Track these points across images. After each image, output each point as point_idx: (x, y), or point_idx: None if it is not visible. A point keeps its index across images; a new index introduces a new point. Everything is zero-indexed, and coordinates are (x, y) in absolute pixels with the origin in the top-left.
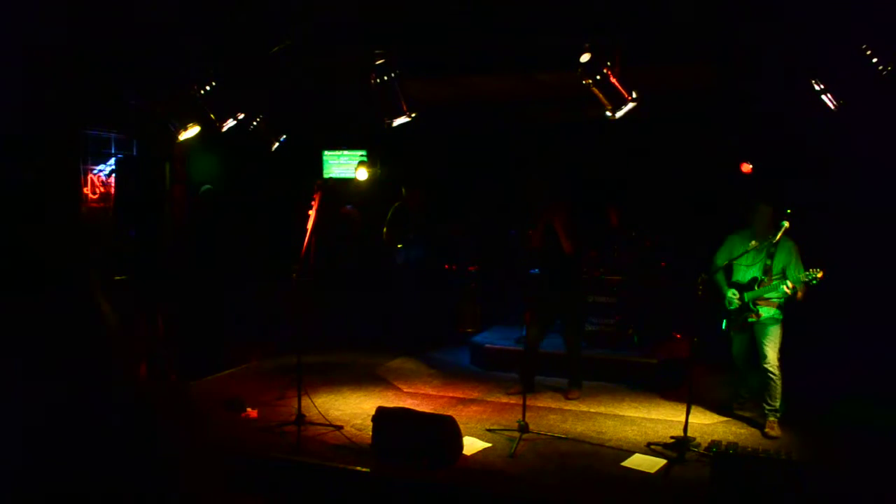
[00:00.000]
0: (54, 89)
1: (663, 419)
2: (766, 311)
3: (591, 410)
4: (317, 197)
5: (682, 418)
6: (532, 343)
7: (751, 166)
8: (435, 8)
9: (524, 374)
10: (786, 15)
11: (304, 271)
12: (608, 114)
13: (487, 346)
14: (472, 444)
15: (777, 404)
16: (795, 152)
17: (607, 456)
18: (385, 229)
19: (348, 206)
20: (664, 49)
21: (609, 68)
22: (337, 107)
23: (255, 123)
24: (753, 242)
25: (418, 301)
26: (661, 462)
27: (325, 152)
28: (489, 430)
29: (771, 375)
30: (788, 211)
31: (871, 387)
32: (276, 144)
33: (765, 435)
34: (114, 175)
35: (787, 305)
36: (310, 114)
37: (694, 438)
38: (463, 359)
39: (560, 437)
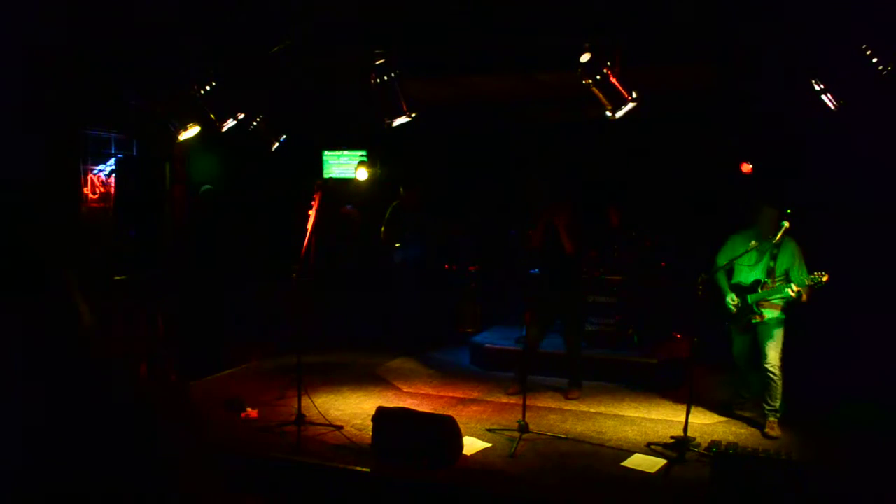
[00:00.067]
0: (54, 89)
1: (663, 419)
2: (769, 313)
3: (591, 410)
4: (317, 197)
5: (682, 418)
6: (532, 343)
7: (751, 166)
8: (435, 8)
9: (521, 372)
10: (786, 15)
11: (304, 271)
12: (608, 114)
13: (487, 346)
14: (472, 444)
15: (777, 405)
16: (795, 152)
17: (607, 456)
18: (383, 229)
19: (348, 206)
20: (664, 49)
21: (609, 68)
22: (337, 107)
23: (255, 123)
24: (753, 242)
25: (418, 301)
26: (661, 462)
27: (325, 152)
28: (489, 430)
29: (772, 376)
30: (788, 211)
31: (871, 387)
32: (276, 144)
33: (765, 435)
34: (114, 175)
35: (791, 307)
36: (310, 114)
37: (694, 438)
38: (463, 359)
39: (560, 437)
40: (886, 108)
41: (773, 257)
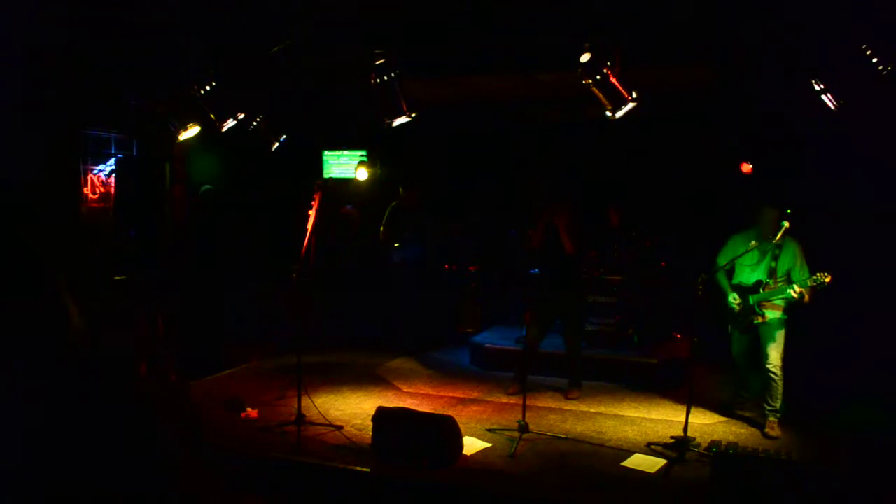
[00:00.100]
0: (54, 89)
1: (663, 419)
2: (771, 314)
3: (591, 410)
4: (317, 197)
5: (682, 418)
6: (532, 343)
7: (751, 166)
8: (435, 8)
9: (521, 372)
10: (786, 15)
11: (304, 271)
12: (608, 114)
13: (487, 346)
14: (472, 444)
15: (778, 405)
16: (795, 152)
17: (607, 456)
18: (382, 229)
19: (348, 206)
20: (664, 49)
21: (609, 68)
22: (337, 107)
23: (255, 123)
24: (753, 242)
25: (418, 301)
26: (661, 462)
27: (325, 152)
28: (489, 430)
29: (773, 376)
30: (788, 211)
31: (871, 387)
32: (276, 144)
33: (765, 435)
34: (114, 175)
35: (793, 307)
36: (310, 114)
37: (694, 438)
38: (463, 359)
39: (560, 437)
40: (886, 108)
41: (775, 258)
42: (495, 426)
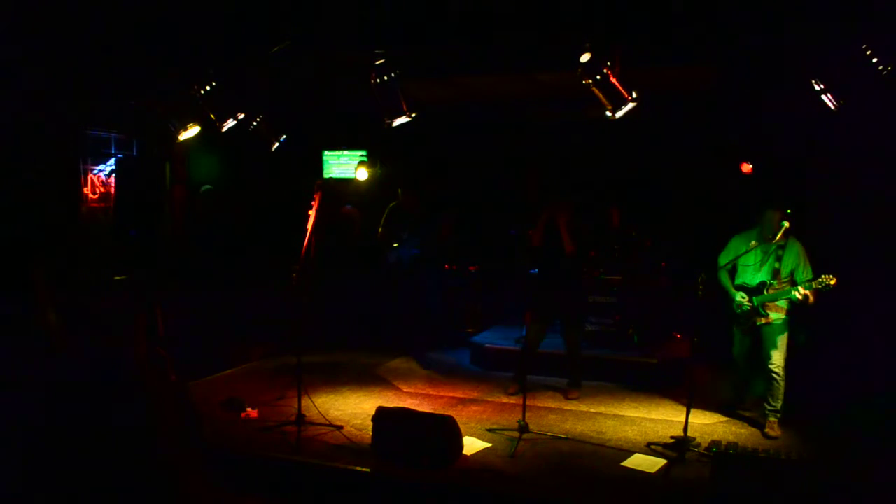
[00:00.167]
0: (55, 89)
1: (663, 419)
2: (775, 315)
3: (591, 410)
4: (317, 197)
5: (682, 418)
6: (532, 343)
7: (751, 166)
8: (435, 8)
9: (521, 372)
10: (786, 15)
11: (304, 271)
12: (608, 114)
13: (487, 346)
14: (472, 444)
15: (779, 405)
16: (795, 152)
17: (607, 456)
18: (380, 229)
19: (348, 206)
20: (664, 49)
21: (609, 68)
22: (337, 107)
23: (255, 123)
24: (753, 242)
25: (418, 301)
26: (662, 462)
27: (325, 152)
28: (489, 430)
29: (775, 377)
30: (788, 211)
31: (871, 387)
32: (276, 144)
33: (765, 435)
34: (114, 175)
35: (797, 308)
36: (310, 114)
37: (694, 438)
38: (463, 359)
39: (560, 437)
40: (886, 108)
41: (778, 258)
42: (495, 426)
